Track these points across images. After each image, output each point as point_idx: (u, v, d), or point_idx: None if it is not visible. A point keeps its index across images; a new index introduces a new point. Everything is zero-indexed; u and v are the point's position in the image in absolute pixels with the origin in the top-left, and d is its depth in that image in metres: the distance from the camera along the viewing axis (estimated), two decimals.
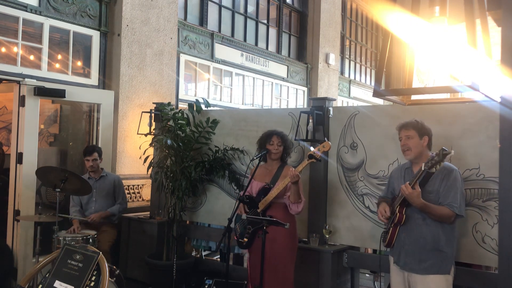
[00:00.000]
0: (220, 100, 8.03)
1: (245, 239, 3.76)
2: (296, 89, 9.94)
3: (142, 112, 5.52)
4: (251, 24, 8.99)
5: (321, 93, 10.01)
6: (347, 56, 12.06)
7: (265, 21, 9.34)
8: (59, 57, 5.73)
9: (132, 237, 5.32)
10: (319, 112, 4.30)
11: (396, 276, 3.19)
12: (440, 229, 3.00)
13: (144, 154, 4.88)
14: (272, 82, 9.25)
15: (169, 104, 5.21)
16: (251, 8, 9.06)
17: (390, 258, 3.25)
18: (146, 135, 5.20)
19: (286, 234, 3.66)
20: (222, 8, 8.27)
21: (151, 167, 5.03)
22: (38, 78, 5.21)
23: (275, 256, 3.61)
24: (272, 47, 9.43)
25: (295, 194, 3.63)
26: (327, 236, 4.16)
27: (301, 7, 10.25)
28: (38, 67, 5.33)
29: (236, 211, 3.68)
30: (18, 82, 5.03)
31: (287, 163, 3.99)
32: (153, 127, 5.36)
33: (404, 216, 3.04)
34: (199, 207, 5.12)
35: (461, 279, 3.36)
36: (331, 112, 4.34)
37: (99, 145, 5.54)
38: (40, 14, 5.28)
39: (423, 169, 2.81)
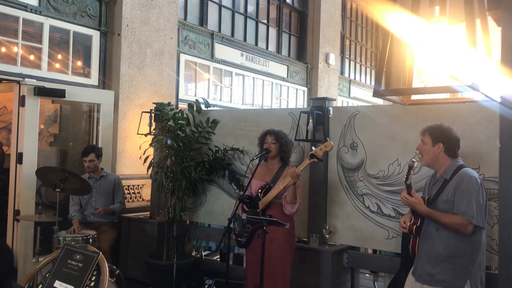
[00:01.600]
0: (220, 100, 8.03)
1: (243, 238, 3.77)
2: (296, 89, 9.94)
3: (142, 112, 5.52)
4: (251, 24, 8.99)
5: (321, 93, 10.00)
6: (347, 56, 12.05)
7: (265, 21, 9.33)
8: (59, 57, 5.73)
9: (132, 237, 5.32)
10: (319, 112, 4.30)
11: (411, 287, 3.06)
12: (456, 241, 2.84)
13: (144, 154, 4.88)
14: (272, 82, 9.25)
15: (169, 104, 5.21)
16: (251, 8, 9.06)
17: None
18: (146, 135, 5.19)
19: (284, 234, 3.66)
20: (222, 8, 8.27)
21: (151, 167, 5.03)
22: (38, 78, 5.21)
23: (273, 255, 3.61)
24: (272, 47, 9.42)
25: (292, 194, 3.63)
26: (327, 236, 4.16)
27: (301, 7, 10.25)
28: (38, 67, 5.33)
29: (236, 211, 3.68)
30: (18, 82, 5.02)
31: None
32: (153, 127, 5.36)
33: (415, 226, 2.98)
34: (199, 207, 5.12)
35: None
36: (331, 112, 4.34)
37: (99, 145, 5.54)
38: (40, 14, 5.28)
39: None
